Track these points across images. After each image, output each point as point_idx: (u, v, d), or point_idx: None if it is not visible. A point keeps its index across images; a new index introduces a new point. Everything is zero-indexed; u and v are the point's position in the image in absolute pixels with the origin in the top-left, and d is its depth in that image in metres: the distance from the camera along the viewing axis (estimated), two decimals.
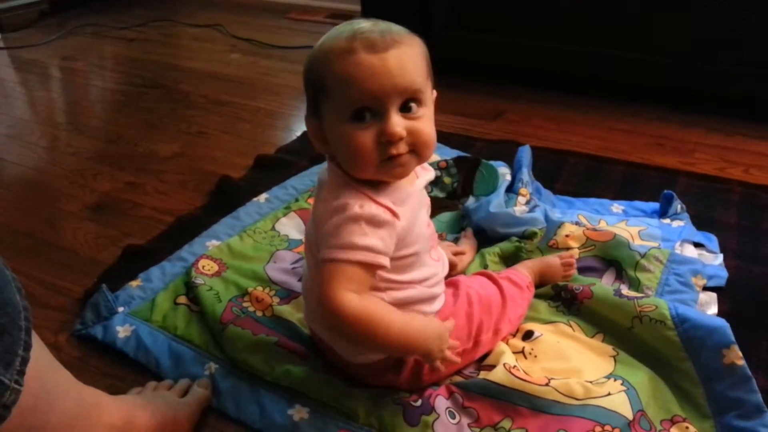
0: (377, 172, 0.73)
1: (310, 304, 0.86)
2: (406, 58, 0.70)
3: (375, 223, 0.71)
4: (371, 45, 0.69)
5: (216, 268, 1.09)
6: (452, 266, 1.00)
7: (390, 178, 0.75)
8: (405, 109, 0.71)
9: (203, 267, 1.08)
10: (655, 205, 1.26)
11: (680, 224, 1.18)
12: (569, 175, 1.42)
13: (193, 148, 1.62)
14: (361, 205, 0.71)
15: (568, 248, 1.10)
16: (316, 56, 0.73)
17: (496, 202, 1.18)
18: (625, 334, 0.91)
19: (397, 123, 0.70)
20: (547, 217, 1.17)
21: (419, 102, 0.72)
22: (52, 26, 2.64)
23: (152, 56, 2.32)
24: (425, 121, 0.73)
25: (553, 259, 1.04)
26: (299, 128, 1.71)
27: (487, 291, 0.90)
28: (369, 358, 0.83)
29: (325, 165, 0.81)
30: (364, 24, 0.71)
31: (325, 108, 0.73)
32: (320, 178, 0.81)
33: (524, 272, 0.99)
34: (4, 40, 2.48)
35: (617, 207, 1.27)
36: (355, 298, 0.69)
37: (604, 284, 1.02)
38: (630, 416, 0.77)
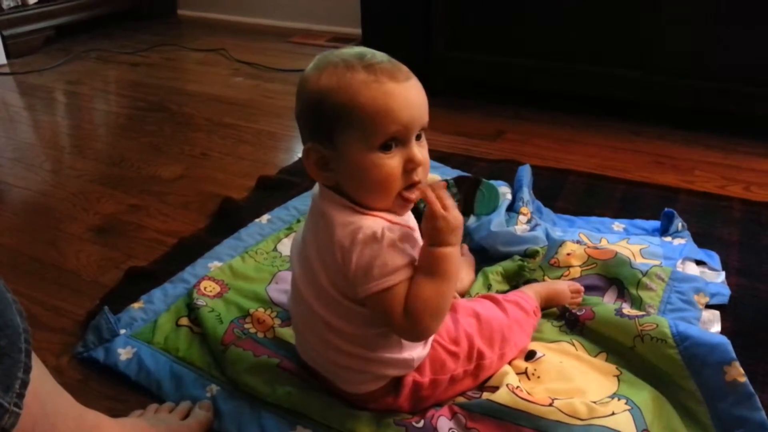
0: (395, 200, 0.74)
1: (307, 337, 0.85)
2: (421, 88, 0.74)
3: (406, 238, 0.73)
4: (392, 75, 0.70)
5: (218, 289, 1.09)
6: None
7: (402, 208, 0.76)
8: (417, 137, 0.74)
9: (205, 288, 1.08)
10: (656, 224, 1.26)
11: (681, 242, 1.18)
12: (570, 193, 1.42)
13: (196, 170, 1.64)
14: (390, 229, 0.72)
15: (569, 266, 1.10)
16: (330, 87, 0.71)
17: (497, 221, 1.19)
18: (628, 353, 0.91)
19: (418, 150, 0.73)
20: (548, 236, 1.17)
21: (425, 130, 0.75)
22: (58, 51, 2.68)
23: (156, 80, 2.35)
24: (427, 148, 0.76)
25: (562, 286, 1.03)
26: (301, 149, 1.72)
27: (490, 315, 0.90)
28: (366, 387, 0.82)
29: (309, 196, 0.81)
30: (366, 53, 0.72)
31: (344, 137, 0.71)
32: (319, 208, 0.78)
33: (531, 296, 0.98)
34: (10, 65, 2.51)
35: (618, 225, 1.27)
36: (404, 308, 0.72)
37: (606, 303, 1.01)
38: None
